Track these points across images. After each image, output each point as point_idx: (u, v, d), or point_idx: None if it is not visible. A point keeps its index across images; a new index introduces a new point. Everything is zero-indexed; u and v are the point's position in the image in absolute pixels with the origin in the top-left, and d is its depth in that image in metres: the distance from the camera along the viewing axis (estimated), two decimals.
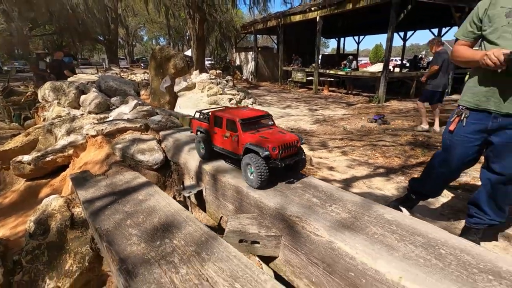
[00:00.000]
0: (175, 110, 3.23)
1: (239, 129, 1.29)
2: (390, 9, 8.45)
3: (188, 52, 23.57)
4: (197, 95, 7.94)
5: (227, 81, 9.14)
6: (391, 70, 11.22)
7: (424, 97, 5.19)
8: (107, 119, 2.17)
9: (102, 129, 1.84)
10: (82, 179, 1.48)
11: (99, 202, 1.27)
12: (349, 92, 11.07)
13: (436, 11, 10.17)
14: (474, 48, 1.58)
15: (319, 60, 14.74)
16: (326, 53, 22.05)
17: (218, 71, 9.88)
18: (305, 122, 7.03)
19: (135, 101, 2.39)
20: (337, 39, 17.83)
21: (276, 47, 17.43)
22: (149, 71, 3.23)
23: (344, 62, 12.36)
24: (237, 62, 18.04)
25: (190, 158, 1.61)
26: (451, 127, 1.61)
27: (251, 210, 1.22)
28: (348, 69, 11.20)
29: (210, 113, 1.47)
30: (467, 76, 1.88)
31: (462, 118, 1.56)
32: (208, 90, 7.70)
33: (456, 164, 1.63)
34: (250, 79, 16.85)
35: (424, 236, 0.92)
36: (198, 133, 1.57)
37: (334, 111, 8.40)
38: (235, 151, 1.34)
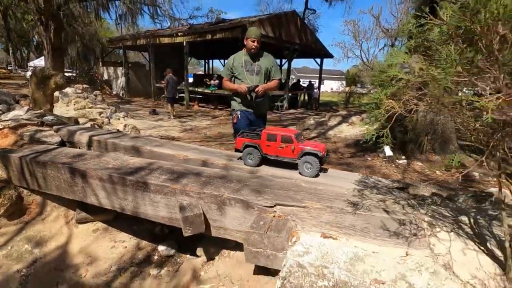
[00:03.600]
0: None
1: (294, 141, 1.89)
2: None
3: (38, 61, 20.68)
4: (62, 109, 8.09)
5: (95, 95, 9.54)
6: None
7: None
8: (6, 119, 2.99)
9: (8, 124, 2.73)
10: (8, 151, 2.46)
11: (29, 155, 2.36)
12: (215, 107, 13.45)
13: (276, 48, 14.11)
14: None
15: (192, 79, 16.67)
16: (198, 73, 24.50)
17: (84, 85, 10.00)
18: (175, 131, 8.59)
19: (27, 107, 3.20)
20: (206, 60, 20.50)
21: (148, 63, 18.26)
22: (30, 85, 3.90)
23: (211, 81, 14.73)
24: (105, 77, 17.64)
25: (82, 138, 2.86)
26: (235, 120, 3.51)
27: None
28: (213, 88, 13.59)
29: (262, 132, 2.04)
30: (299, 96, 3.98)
31: (238, 115, 3.45)
32: (74, 104, 8.03)
33: None
34: (121, 94, 16.88)
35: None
36: (246, 148, 2.10)
37: (201, 123, 10.36)
38: (290, 155, 1.92)
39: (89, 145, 2.81)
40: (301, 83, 18.24)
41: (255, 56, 2.92)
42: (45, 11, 12.14)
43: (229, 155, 2.48)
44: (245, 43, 2.91)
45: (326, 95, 28.45)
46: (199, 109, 13.41)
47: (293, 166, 2.00)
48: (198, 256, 2.13)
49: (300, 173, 1.93)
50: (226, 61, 3.09)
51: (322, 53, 15.68)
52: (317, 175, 1.91)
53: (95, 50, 17.18)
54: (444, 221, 1.36)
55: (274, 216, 1.48)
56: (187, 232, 1.63)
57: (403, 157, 5.62)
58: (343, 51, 32.64)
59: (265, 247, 1.37)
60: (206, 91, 13.36)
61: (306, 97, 16.86)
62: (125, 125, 4.91)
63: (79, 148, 2.80)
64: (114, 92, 17.01)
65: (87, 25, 15.76)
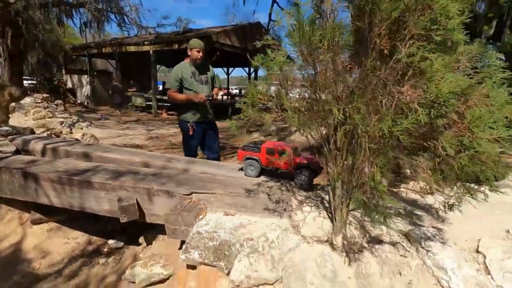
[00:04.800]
0: None
1: (291, 155, 2.00)
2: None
3: None
4: (20, 119, 8.03)
5: (56, 105, 9.51)
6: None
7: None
8: None
9: None
10: None
11: None
12: None
13: (242, 57, 14.73)
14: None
15: (161, 87, 16.83)
16: None
17: (44, 95, 9.89)
18: (139, 139, 8.80)
19: None
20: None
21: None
22: None
23: None
24: (69, 85, 17.29)
25: (37, 146, 3.15)
26: (191, 132, 3.68)
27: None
28: None
29: (262, 146, 2.16)
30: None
31: (194, 127, 3.73)
32: (34, 114, 8.00)
33: (194, 147, 3.54)
34: (86, 103, 16.62)
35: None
36: (247, 160, 2.23)
37: (168, 131, 10.61)
38: (286, 168, 2.04)
39: (44, 152, 3.11)
40: None
41: (200, 66, 3.07)
42: (1, 17, 11.87)
43: (171, 157, 2.91)
44: (190, 53, 3.01)
45: None
46: (168, 117, 13.60)
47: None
48: (140, 244, 2.52)
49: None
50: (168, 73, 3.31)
51: None
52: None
53: (58, 57, 16.83)
54: (311, 200, 1.89)
55: (189, 201, 1.93)
56: (123, 219, 2.04)
57: None
58: None
59: (180, 224, 1.82)
60: None
61: None
62: (83, 134, 5.14)
63: (34, 155, 3.09)
64: (79, 101, 16.70)
65: (49, 32, 15.45)
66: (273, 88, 1.58)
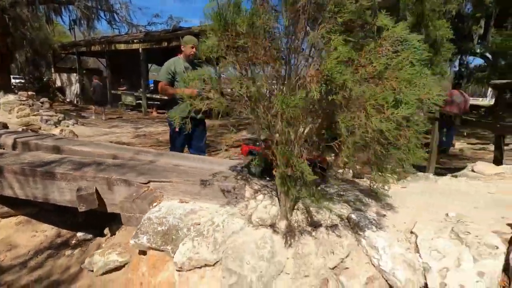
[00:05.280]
0: None
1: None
2: None
3: None
4: (3, 117, 7.98)
5: (42, 103, 9.45)
6: None
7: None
8: None
9: None
10: None
11: None
12: None
13: None
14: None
15: (152, 86, 16.79)
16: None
17: (30, 92, 9.82)
18: (127, 137, 8.79)
19: None
20: None
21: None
22: None
23: None
24: (58, 84, 17.17)
25: (8, 140, 3.15)
26: (177, 129, 3.82)
27: None
28: None
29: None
30: None
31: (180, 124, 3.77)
32: (18, 112, 7.96)
33: (180, 144, 3.87)
34: (76, 102, 16.53)
35: None
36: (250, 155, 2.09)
37: (156, 129, 10.61)
38: None
39: (14, 146, 3.12)
40: None
41: (192, 62, 3.11)
42: None
43: (140, 150, 2.94)
44: (183, 49, 3.10)
45: None
46: (157, 116, 13.59)
47: None
48: (105, 235, 2.54)
49: None
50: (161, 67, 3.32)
51: None
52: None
53: (47, 55, 16.69)
54: (266, 189, 1.94)
55: (146, 190, 1.97)
56: (81, 208, 2.07)
57: None
58: None
59: (134, 212, 1.86)
60: (165, 97, 13.59)
61: None
62: (61, 130, 5.14)
63: (4, 149, 3.10)
64: (68, 100, 16.60)
65: (37, 30, 15.32)
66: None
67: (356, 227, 1.50)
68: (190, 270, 1.47)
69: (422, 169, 4.05)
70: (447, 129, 5.73)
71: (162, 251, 1.60)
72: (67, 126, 9.04)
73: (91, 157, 2.82)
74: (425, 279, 1.28)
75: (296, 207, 1.70)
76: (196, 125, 3.26)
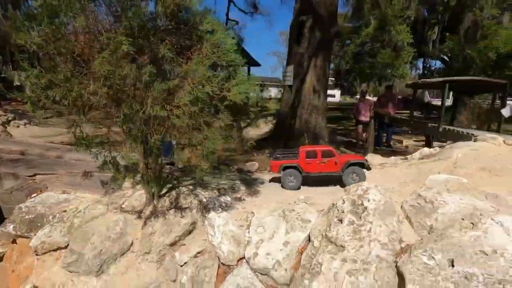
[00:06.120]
0: None
1: (336, 154, 1.94)
2: None
3: None
4: None
5: None
6: None
7: None
8: None
9: None
10: None
11: None
12: None
13: None
14: None
15: None
16: None
17: None
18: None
19: None
20: None
21: None
22: None
23: None
24: (17, 82, 16.42)
25: None
26: None
27: None
28: None
29: (300, 151, 1.96)
30: None
31: None
32: None
33: None
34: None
35: None
36: (283, 170, 1.97)
37: None
38: (333, 169, 1.92)
39: None
40: None
41: None
42: None
43: (51, 147, 2.99)
44: None
45: None
46: None
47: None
48: None
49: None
50: None
51: (248, 62, 16.75)
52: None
53: (5, 51, 15.91)
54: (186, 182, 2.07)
55: (30, 182, 2.05)
56: None
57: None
58: (279, 60, 34.69)
59: (13, 203, 1.93)
60: None
61: None
62: None
63: None
64: None
65: None
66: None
67: (204, 209, 1.67)
68: (46, 253, 1.58)
69: None
70: (386, 127, 6.10)
71: (28, 238, 1.70)
72: (18, 127, 8.72)
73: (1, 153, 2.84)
74: (245, 250, 1.47)
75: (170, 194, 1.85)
76: None
